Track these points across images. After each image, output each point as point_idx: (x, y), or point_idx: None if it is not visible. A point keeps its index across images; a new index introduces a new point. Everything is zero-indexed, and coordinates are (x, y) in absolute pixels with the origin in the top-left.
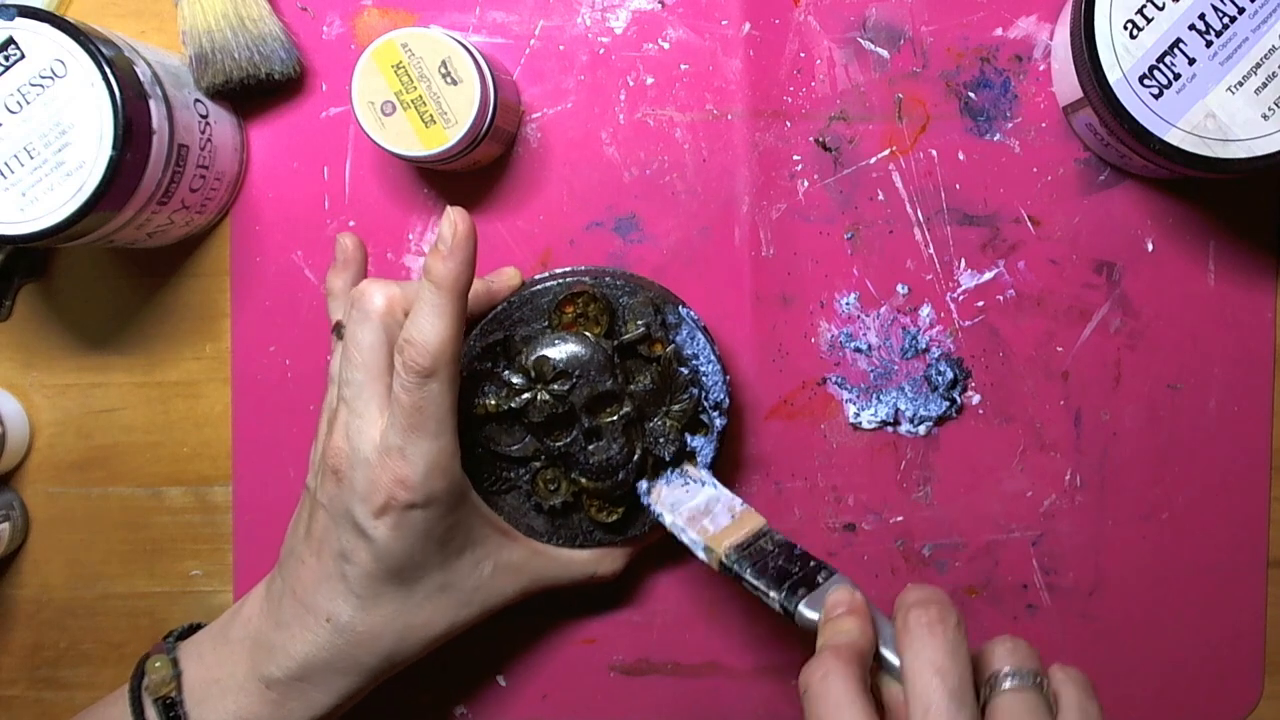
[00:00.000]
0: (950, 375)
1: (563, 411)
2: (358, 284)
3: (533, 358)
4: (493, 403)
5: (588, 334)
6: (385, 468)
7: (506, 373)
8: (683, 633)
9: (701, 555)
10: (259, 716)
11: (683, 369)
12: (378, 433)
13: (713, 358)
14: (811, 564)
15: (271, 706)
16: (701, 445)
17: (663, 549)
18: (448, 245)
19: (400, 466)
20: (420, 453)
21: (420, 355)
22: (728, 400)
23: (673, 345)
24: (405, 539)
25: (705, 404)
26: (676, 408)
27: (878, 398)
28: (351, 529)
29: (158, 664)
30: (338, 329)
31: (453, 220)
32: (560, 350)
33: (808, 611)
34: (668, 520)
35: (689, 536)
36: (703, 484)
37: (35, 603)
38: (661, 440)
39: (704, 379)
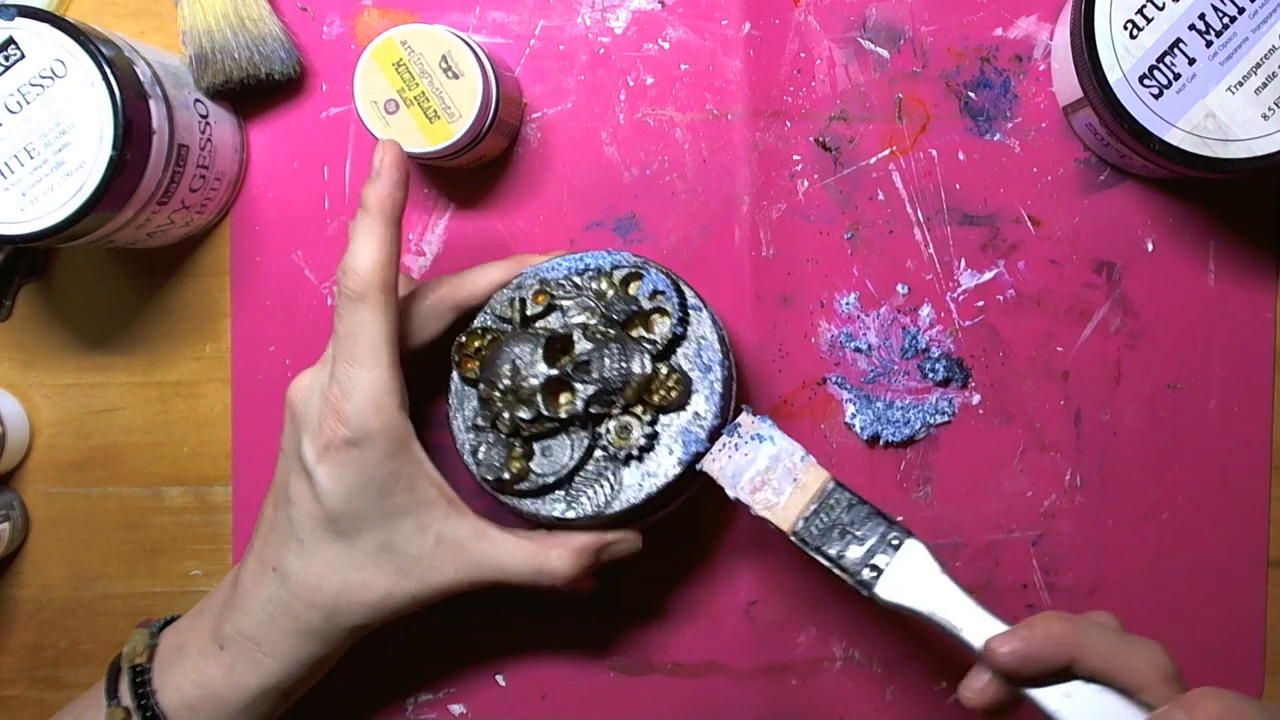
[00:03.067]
0: (943, 375)
1: (546, 384)
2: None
3: (496, 394)
4: (518, 465)
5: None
6: (327, 400)
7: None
8: (683, 633)
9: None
10: (212, 680)
11: (567, 286)
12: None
13: (571, 265)
14: (881, 528)
15: (225, 670)
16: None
17: (667, 547)
18: (376, 171)
19: (338, 398)
20: (353, 382)
21: (350, 280)
22: (626, 255)
23: (535, 283)
24: (343, 480)
25: (601, 267)
26: (594, 287)
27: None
28: (299, 470)
29: (137, 636)
30: None
31: (381, 149)
32: (496, 370)
33: (886, 595)
34: (731, 495)
35: (755, 512)
36: (760, 439)
37: (35, 603)
38: (616, 307)
39: (581, 260)
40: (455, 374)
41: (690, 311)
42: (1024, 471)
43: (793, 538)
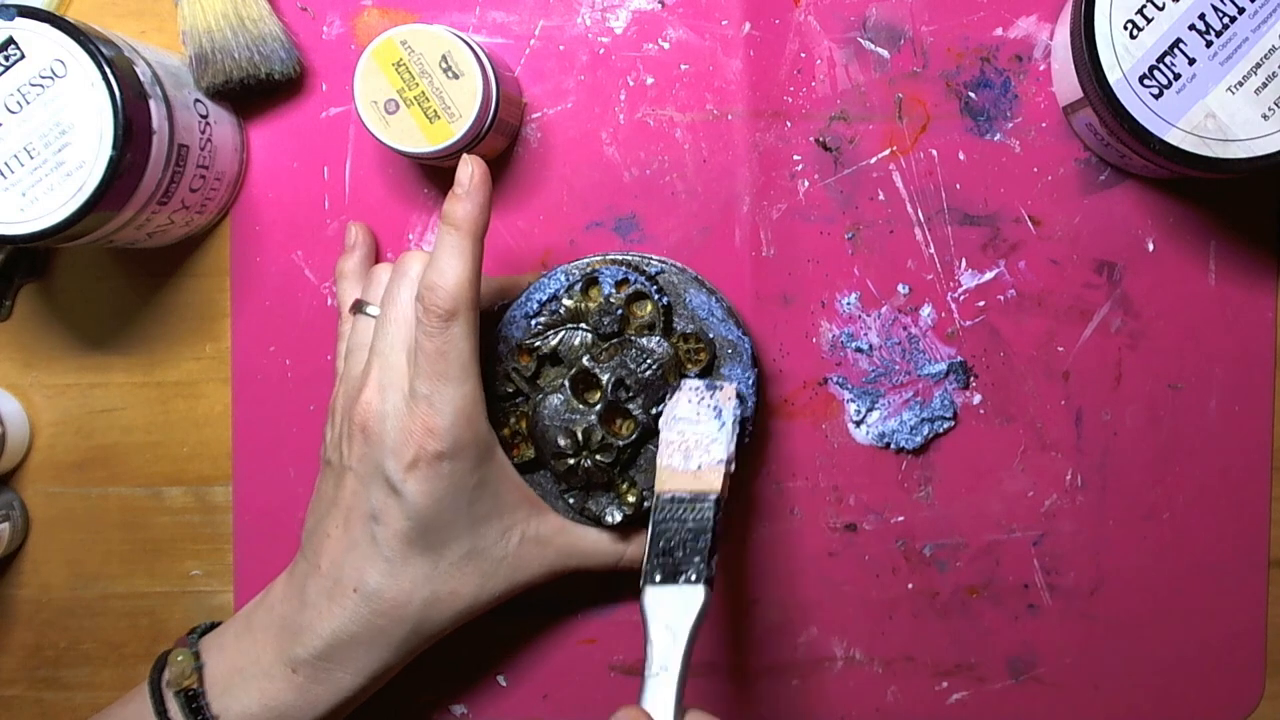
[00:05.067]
0: (944, 375)
1: (602, 423)
2: (368, 266)
3: (570, 463)
4: (632, 496)
5: (523, 426)
6: (414, 417)
7: (587, 502)
8: None
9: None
10: (284, 702)
11: (537, 329)
12: (408, 385)
13: (524, 309)
14: (697, 559)
15: (297, 691)
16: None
17: None
18: (464, 188)
19: (428, 414)
20: (446, 399)
21: (441, 298)
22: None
23: (508, 349)
24: (435, 494)
25: (555, 293)
26: (562, 313)
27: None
28: (383, 486)
29: (179, 657)
30: (356, 306)
31: (470, 165)
32: (554, 446)
33: (648, 600)
34: (662, 434)
35: (656, 456)
36: (718, 414)
37: (35, 603)
38: (602, 321)
39: (529, 301)
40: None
41: (659, 278)
42: (1025, 471)
43: (654, 498)
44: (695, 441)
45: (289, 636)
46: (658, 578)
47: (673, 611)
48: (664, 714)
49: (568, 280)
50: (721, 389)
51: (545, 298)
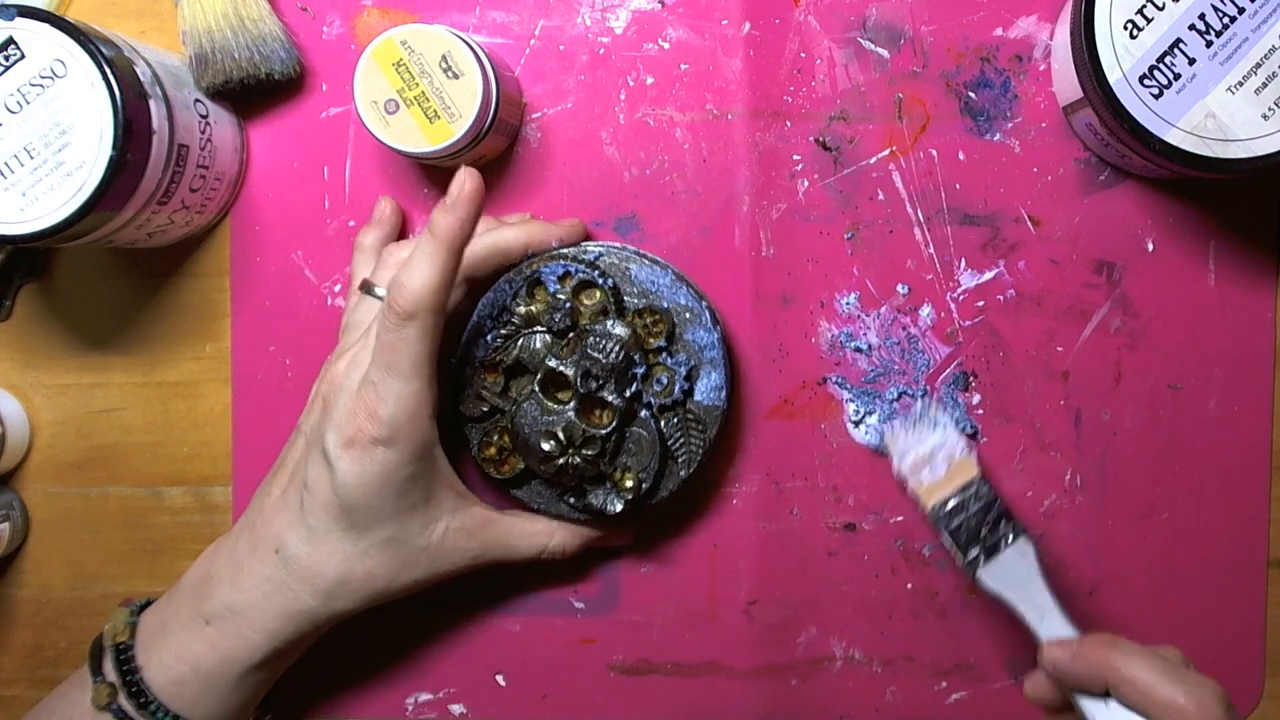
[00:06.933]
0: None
1: (580, 416)
2: (386, 244)
3: (558, 464)
4: (629, 480)
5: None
6: (360, 399)
7: (575, 500)
8: (683, 633)
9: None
10: (197, 655)
11: (494, 343)
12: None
13: (471, 332)
14: (1001, 525)
15: (209, 645)
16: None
17: (667, 547)
18: (452, 199)
19: (373, 400)
20: (391, 391)
21: (403, 298)
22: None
23: (473, 370)
24: (364, 476)
25: (501, 303)
26: (516, 322)
27: (878, 397)
28: (320, 456)
29: (118, 614)
30: (365, 285)
31: (462, 178)
32: (538, 453)
33: (987, 580)
34: (894, 467)
35: (909, 487)
36: (935, 425)
37: (35, 603)
38: (554, 319)
39: (477, 319)
40: (495, 478)
41: (599, 262)
42: (1024, 471)
43: (929, 515)
44: (931, 451)
45: (206, 590)
46: (983, 560)
47: (1014, 572)
48: (1064, 635)
49: (512, 288)
50: (928, 403)
51: (495, 311)
